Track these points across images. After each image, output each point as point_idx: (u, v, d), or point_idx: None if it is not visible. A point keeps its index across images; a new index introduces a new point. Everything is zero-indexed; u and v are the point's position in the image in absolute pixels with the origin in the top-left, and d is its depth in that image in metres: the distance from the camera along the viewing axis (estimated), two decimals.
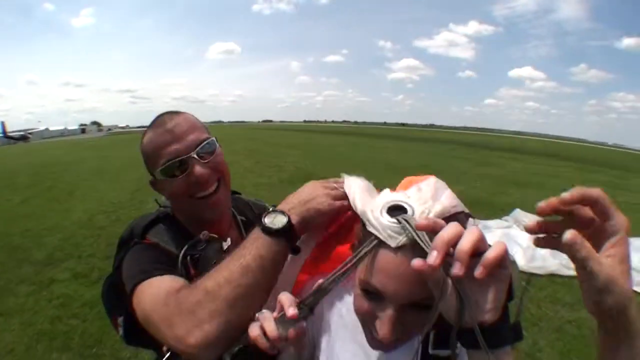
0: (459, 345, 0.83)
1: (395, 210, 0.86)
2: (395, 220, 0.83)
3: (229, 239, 1.36)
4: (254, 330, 0.93)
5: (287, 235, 1.08)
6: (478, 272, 0.68)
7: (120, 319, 1.46)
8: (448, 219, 0.80)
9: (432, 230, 0.74)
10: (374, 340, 0.94)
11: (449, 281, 0.74)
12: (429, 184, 0.95)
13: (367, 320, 0.94)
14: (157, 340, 1.09)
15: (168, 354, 1.20)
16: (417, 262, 0.70)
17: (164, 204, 1.61)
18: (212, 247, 1.33)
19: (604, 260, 0.69)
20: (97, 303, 4.89)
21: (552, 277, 6.38)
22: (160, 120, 1.38)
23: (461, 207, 0.89)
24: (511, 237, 7.49)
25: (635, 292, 5.02)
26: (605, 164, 33.52)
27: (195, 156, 1.33)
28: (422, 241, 0.76)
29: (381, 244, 0.83)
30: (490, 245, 0.71)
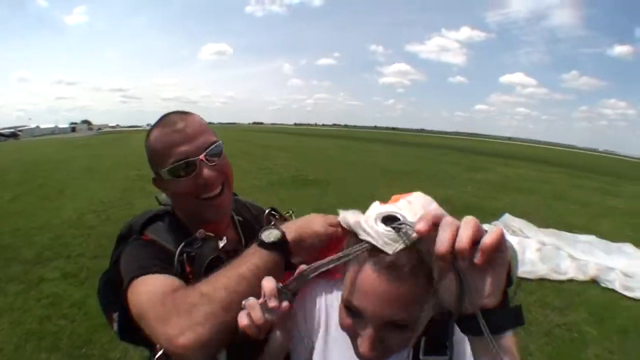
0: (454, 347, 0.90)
1: (389, 220, 0.87)
2: (390, 229, 0.84)
3: (224, 238, 1.37)
4: (242, 320, 0.94)
5: (281, 249, 1.13)
6: (477, 258, 0.70)
7: (115, 315, 1.46)
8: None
9: (430, 234, 0.75)
10: (359, 354, 0.95)
11: (448, 269, 0.76)
12: (418, 197, 0.99)
13: (350, 335, 0.97)
14: (150, 337, 1.10)
15: (160, 352, 1.19)
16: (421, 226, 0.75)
17: (164, 201, 1.61)
18: (208, 246, 1.34)
19: None
20: (86, 303, 4.92)
21: (542, 281, 6.46)
22: (170, 119, 1.40)
23: None
24: None
25: (625, 296, 5.14)
26: (596, 170, 33.86)
27: (203, 158, 1.35)
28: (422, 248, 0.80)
29: (372, 250, 0.85)
30: (486, 231, 0.73)
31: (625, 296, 6.14)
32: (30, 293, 5.19)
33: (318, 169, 18.40)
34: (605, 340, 4.89)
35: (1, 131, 75.66)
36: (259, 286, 0.99)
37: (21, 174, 15.01)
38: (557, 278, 6.66)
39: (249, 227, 1.68)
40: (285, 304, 0.96)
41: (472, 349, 0.82)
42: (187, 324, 1.01)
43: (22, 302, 4.94)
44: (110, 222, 8.60)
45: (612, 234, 9.12)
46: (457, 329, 0.91)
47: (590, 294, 6.27)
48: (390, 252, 0.82)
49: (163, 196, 1.61)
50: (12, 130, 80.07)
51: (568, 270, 6.94)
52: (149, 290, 1.15)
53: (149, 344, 1.31)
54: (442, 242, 0.71)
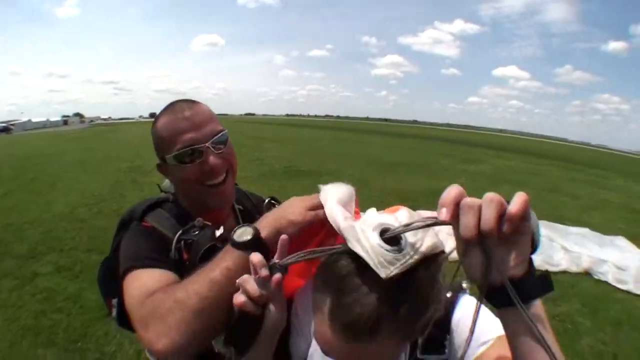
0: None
1: (386, 236, 0.81)
2: (389, 247, 0.79)
3: (221, 227, 1.36)
4: (238, 298, 0.95)
5: (255, 248, 1.08)
6: (505, 228, 0.68)
7: (114, 301, 1.51)
8: (431, 257, 0.81)
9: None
10: None
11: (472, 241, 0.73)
12: (411, 213, 0.92)
13: None
14: None
15: None
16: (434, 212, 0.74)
17: (165, 189, 1.64)
18: (205, 234, 1.34)
19: None
20: (81, 296, 4.94)
21: None
22: (178, 106, 1.42)
23: (442, 246, 0.86)
24: None
25: (618, 288, 5.51)
26: (589, 163, 34.10)
27: (210, 146, 1.37)
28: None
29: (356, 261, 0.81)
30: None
31: (618, 289, 6.21)
32: (25, 288, 5.17)
33: (310, 160, 18.43)
34: (599, 331, 4.95)
35: None
36: (232, 291, 1.00)
37: (13, 169, 14.87)
38: (550, 269, 6.65)
39: (249, 215, 1.69)
40: (277, 275, 0.95)
41: (503, 322, 0.81)
42: (162, 330, 1.04)
43: (16, 298, 4.91)
44: (103, 215, 8.59)
45: (605, 227, 9.20)
46: (453, 327, 1.00)
47: (584, 285, 6.33)
48: (383, 275, 0.76)
49: (165, 183, 1.64)
50: (4, 124, 79.48)
51: (561, 262, 6.98)
52: (135, 291, 1.18)
53: None
54: (467, 226, 0.70)
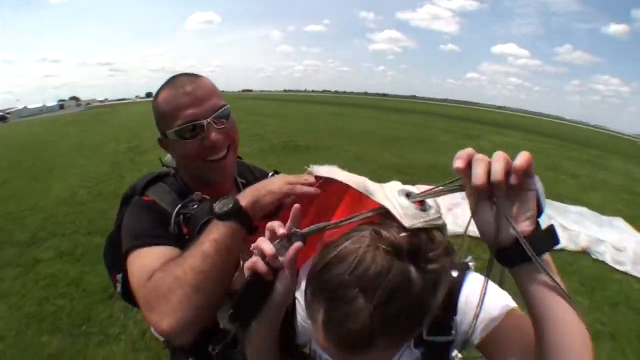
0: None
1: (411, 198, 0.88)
2: (413, 204, 0.86)
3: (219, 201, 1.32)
4: (251, 261, 0.98)
5: (236, 217, 1.17)
6: (512, 179, 0.76)
7: (119, 276, 1.53)
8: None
9: None
10: None
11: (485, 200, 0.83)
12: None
13: None
14: None
15: None
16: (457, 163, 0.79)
17: (167, 163, 1.64)
18: (203, 208, 1.33)
19: None
20: (83, 280, 4.99)
21: None
22: (179, 81, 1.40)
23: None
24: None
25: (615, 269, 5.57)
26: (587, 143, 33.94)
27: (211, 121, 1.37)
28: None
29: (386, 215, 0.84)
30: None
31: (615, 269, 6.22)
32: (27, 275, 5.17)
33: (308, 135, 18.35)
34: (597, 311, 4.98)
35: None
36: (222, 260, 1.10)
37: (10, 157, 14.77)
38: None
39: None
40: (298, 243, 0.97)
41: (517, 280, 0.85)
42: (166, 310, 1.07)
43: (19, 286, 4.92)
44: (102, 197, 8.60)
45: (603, 208, 9.22)
46: (460, 307, 1.02)
47: (582, 264, 6.35)
48: (407, 224, 0.80)
49: (167, 158, 1.64)
50: (0, 113, 79.23)
51: (559, 240, 6.93)
52: (136, 270, 1.21)
53: None
54: (478, 175, 0.76)
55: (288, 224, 0.99)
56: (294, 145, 15.27)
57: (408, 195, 0.88)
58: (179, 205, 1.36)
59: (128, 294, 1.42)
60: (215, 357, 1.44)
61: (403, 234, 0.78)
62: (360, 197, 1.08)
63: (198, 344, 1.68)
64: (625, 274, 6.07)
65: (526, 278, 0.83)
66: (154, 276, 1.13)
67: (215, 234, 1.14)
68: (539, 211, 0.84)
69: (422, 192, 0.88)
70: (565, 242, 6.88)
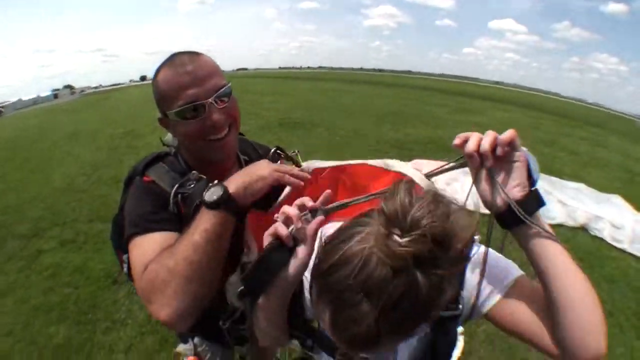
0: None
1: None
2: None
3: (216, 182, 1.32)
4: (274, 226, 1.01)
5: (226, 205, 1.20)
6: (498, 150, 0.92)
7: (125, 257, 1.54)
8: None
9: None
10: None
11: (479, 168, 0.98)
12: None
13: None
14: None
15: None
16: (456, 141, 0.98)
17: (167, 142, 1.65)
18: (199, 187, 1.34)
19: None
20: (87, 267, 5.04)
21: None
22: (179, 60, 1.38)
23: None
24: None
25: (612, 246, 5.67)
26: (586, 120, 33.79)
27: (213, 101, 1.36)
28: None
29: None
30: None
31: (613, 246, 6.25)
32: (31, 267, 5.17)
33: (305, 111, 18.27)
34: (595, 287, 4.87)
35: None
36: (213, 249, 1.15)
37: (6, 150, 14.62)
38: (547, 222, 6.67)
39: None
40: (320, 217, 1.01)
41: (519, 240, 0.99)
42: (162, 301, 1.12)
43: (24, 279, 4.93)
44: (101, 183, 8.59)
45: (601, 185, 9.21)
46: (467, 281, 1.08)
47: (580, 240, 6.39)
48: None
49: (167, 137, 1.65)
50: None
51: (558, 215, 6.99)
52: (135, 261, 1.25)
53: None
54: (469, 146, 0.95)
55: (317, 202, 1.03)
56: (291, 122, 15.21)
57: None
58: (177, 185, 1.37)
59: None
60: (225, 331, 1.56)
61: (408, 238, 0.72)
62: (355, 186, 1.27)
63: (204, 323, 1.68)
64: (622, 251, 6.11)
65: (524, 238, 0.97)
66: (149, 268, 1.17)
67: (205, 223, 1.17)
68: (533, 181, 0.99)
69: (432, 171, 1.07)
70: (563, 218, 6.92)
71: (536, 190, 0.97)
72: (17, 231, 6.31)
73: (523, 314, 1.03)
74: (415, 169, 1.13)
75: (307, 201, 1.02)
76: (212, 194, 1.19)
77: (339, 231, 0.89)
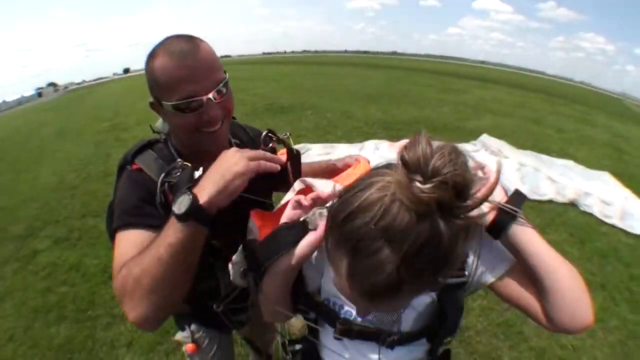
0: None
1: None
2: None
3: (201, 168, 1.32)
4: (289, 212, 1.15)
5: (197, 216, 1.11)
6: None
7: None
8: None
9: None
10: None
11: None
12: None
13: None
14: None
15: None
16: None
17: (157, 129, 1.62)
18: (183, 177, 1.31)
19: None
20: (83, 264, 5.04)
21: None
22: (179, 49, 1.31)
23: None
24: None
25: (603, 222, 5.82)
26: (572, 98, 33.89)
27: (211, 97, 1.34)
28: None
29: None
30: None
31: (603, 222, 6.35)
32: (27, 268, 5.16)
33: (291, 95, 18.12)
34: (587, 261, 5.17)
35: None
36: (178, 264, 1.12)
37: None
38: (537, 198, 6.85)
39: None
40: None
41: (508, 244, 1.05)
42: (130, 305, 1.14)
43: (21, 281, 4.91)
44: (91, 178, 8.51)
45: (590, 162, 9.32)
46: (471, 251, 1.10)
47: (570, 215, 6.50)
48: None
49: (157, 123, 1.62)
50: None
51: (547, 192, 7.08)
52: (114, 259, 1.25)
53: None
54: None
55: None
56: (278, 106, 15.10)
57: None
58: (163, 174, 1.34)
59: None
60: (221, 314, 1.53)
61: (429, 185, 0.70)
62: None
63: (199, 309, 1.79)
64: (612, 226, 6.21)
65: (514, 239, 1.02)
66: (122, 271, 1.17)
67: (171, 237, 1.12)
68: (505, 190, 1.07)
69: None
70: (552, 194, 7.00)
71: (516, 189, 1.07)
72: (11, 233, 6.27)
73: (522, 291, 1.11)
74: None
75: (322, 193, 1.11)
76: (180, 204, 1.11)
77: (356, 182, 0.86)
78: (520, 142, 10.30)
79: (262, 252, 1.14)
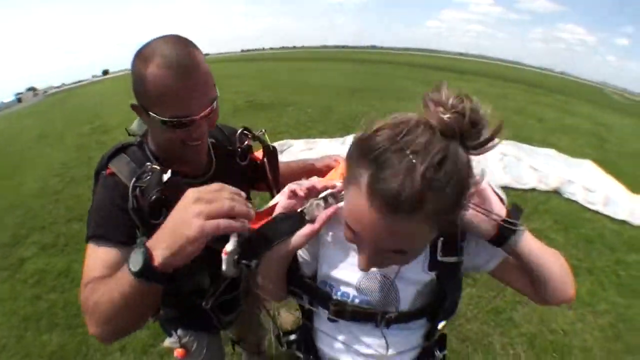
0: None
1: None
2: None
3: (169, 171, 1.33)
4: (285, 201, 1.19)
5: (149, 276, 1.04)
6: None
7: None
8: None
9: None
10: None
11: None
12: None
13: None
14: None
15: None
16: None
17: (132, 131, 1.59)
18: (152, 182, 1.31)
19: None
20: (71, 269, 4.99)
21: (505, 189, 6.66)
22: (177, 64, 1.25)
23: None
24: None
25: (587, 209, 6.04)
26: (553, 89, 34.41)
27: (203, 116, 1.35)
28: None
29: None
30: None
31: (587, 208, 6.48)
32: (15, 277, 5.09)
33: (272, 92, 18.01)
34: (573, 248, 5.27)
35: None
36: (133, 308, 1.11)
37: None
38: (520, 187, 6.96)
39: (220, 148, 1.71)
40: (335, 206, 1.14)
41: (513, 250, 1.08)
42: (89, 322, 1.14)
43: (9, 290, 4.84)
44: (75, 182, 8.42)
45: (571, 151, 9.50)
46: (468, 235, 1.15)
47: (554, 203, 6.62)
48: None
49: (133, 125, 1.60)
50: None
51: (529, 180, 7.17)
52: (83, 272, 1.27)
53: None
54: None
55: (336, 189, 1.16)
56: (258, 103, 15.03)
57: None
58: (134, 179, 1.32)
59: None
60: (210, 312, 1.54)
61: (449, 114, 0.81)
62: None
63: (185, 313, 1.82)
64: (597, 213, 6.33)
65: (515, 245, 1.07)
66: (86, 289, 1.18)
67: (125, 286, 1.06)
68: (501, 199, 1.10)
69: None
70: (535, 182, 7.08)
71: (514, 204, 1.13)
72: None
73: (515, 277, 1.23)
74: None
75: (318, 184, 1.17)
76: (134, 262, 1.04)
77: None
78: (502, 132, 10.22)
79: (258, 240, 1.16)
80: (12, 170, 10.76)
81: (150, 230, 1.16)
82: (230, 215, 1.04)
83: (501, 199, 1.09)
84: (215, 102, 1.41)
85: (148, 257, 1.02)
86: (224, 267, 1.16)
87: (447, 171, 0.78)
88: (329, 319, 1.28)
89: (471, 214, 1.04)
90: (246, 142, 1.77)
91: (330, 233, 1.26)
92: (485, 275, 4.52)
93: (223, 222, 1.02)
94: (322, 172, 1.82)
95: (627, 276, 4.79)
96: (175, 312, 1.84)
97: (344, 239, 1.08)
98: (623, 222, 6.09)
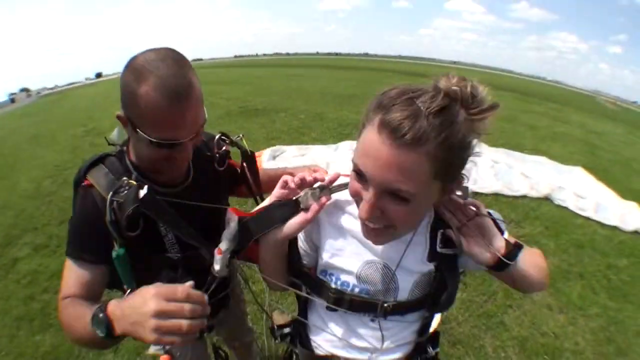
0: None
1: None
2: None
3: (145, 187, 1.35)
4: (284, 180, 1.27)
5: (109, 340, 1.15)
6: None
7: None
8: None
9: None
10: (367, 231, 1.10)
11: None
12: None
13: (356, 201, 1.07)
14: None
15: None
16: None
17: (112, 141, 1.58)
18: (129, 196, 1.32)
19: None
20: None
21: (497, 196, 6.86)
22: (173, 91, 1.24)
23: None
24: None
25: (578, 215, 6.12)
26: (545, 97, 34.75)
27: (190, 138, 1.37)
28: None
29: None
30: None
31: (578, 214, 6.54)
32: (8, 277, 5.07)
33: (264, 98, 18.03)
34: (563, 253, 5.33)
35: None
36: (97, 344, 1.20)
37: None
38: (511, 194, 7.01)
39: (198, 154, 1.66)
40: (329, 196, 1.22)
41: (507, 275, 1.19)
42: (64, 333, 1.30)
43: (2, 289, 4.83)
44: (68, 184, 8.06)
45: (562, 158, 9.58)
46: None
47: (545, 209, 6.67)
48: None
49: (112, 135, 1.59)
50: None
51: (520, 187, 7.22)
52: (61, 285, 1.41)
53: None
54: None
55: (326, 181, 1.23)
56: (251, 109, 15.02)
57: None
58: (111, 193, 1.32)
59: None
60: None
61: (455, 84, 0.93)
62: None
63: None
64: (587, 219, 6.39)
65: (508, 274, 1.18)
66: (62, 303, 1.34)
67: (89, 332, 1.15)
68: (501, 231, 1.20)
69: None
70: (526, 189, 7.13)
71: (516, 241, 1.20)
72: None
73: (501, 276, 1.25)
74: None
75: (308, 175, 1.23)
76: (97, 326, 1.12)
77: None
78: (493, 139, 10.34)
79: (254, 224, 1.26)
80: (5, 171, 10.68)
81: (127, 242, 1.31)
82: (188, 332, 1.05)
83: (501, 230, 1.19)
84: (203, 125, 1.44)
85: (111, 328, 1.11)
86: (216, 267, 1.22)
87: (447, 119, 0.90)
88: (327, 307, 1.32)
89: (472, 241, 1.15)
90: (224, 148, 1.79)
91: (331, 222, 1.30)
92: (477, 280, 4.53)
93: (178, 340, 1.05)
94: None
95: (618, 280, 4.86)
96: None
97: (344, 227, 1.23)
98: (614, 228, 6.16)
